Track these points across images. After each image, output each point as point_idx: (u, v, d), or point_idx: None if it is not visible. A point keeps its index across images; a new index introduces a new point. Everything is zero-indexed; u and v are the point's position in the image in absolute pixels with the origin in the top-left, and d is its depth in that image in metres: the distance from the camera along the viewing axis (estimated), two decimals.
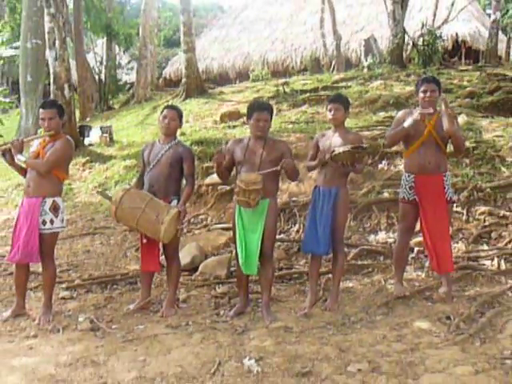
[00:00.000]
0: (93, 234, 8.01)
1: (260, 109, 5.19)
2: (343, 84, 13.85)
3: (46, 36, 12.02)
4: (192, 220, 8.04)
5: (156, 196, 5.22)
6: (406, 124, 5.18)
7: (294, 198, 7.76)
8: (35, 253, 5.09)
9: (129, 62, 28.12)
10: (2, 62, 23.95)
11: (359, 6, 24.23)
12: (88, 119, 18.09)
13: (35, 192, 5.15)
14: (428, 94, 5.20)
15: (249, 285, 5.42)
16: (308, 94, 12.98)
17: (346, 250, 6.67)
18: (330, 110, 5.31)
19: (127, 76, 27.52)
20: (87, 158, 11.63)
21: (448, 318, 4.90)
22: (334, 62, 19.96)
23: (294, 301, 5.58)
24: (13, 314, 5.34)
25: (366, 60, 17.26)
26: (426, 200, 5.20)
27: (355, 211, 7.37)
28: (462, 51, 20.01)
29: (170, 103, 16.08)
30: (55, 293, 5.95)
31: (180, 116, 5.52)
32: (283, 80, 16.11)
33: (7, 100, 24.20)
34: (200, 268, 6.42)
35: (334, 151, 5.08)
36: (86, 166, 11.24)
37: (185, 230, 7.73)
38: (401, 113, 5.65)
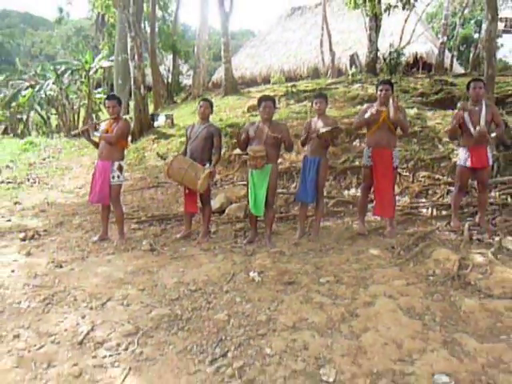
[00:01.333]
0: (156, 186, 8.05)
1: (266, 99, 5.14)
2: (333, 86, 13.48)
3: (129, 52, 11.90)
4: (223, 178, 8.02)
5: (195, 161, 5.20)
6: (367, 115, 5.08)
7: (293, 164, 7.67)
8: (106, 197, 5.16)
9: (187, 71, 27.87)
10: (102, 70, 23.93)
11: (348, 32, 23.71)
12: (159, 110, 17.95)
13: (106, 157, 5.17)
14: (383, 92, 5.07)
15: (257, 223, 5.41)
16: (308, 93, 12.73)
17: (326, 200, 6.61)
18: (316, 104, 5.22)
19: (186, 80, 27.26)
20: (155, 135, 11.58)
21: (393, 247, 4.85)
22: (329, 71, 19.62)
23: (288, 234, 5.56)
24: (99, 238, 5.43)
25: (351, 70, 16.90)
26: (378, 166, 5.10)
27: (335, 174, 7.27)
28: (419, 64, 19.50)
29: (213, 99, 16.04)
30: (128, 225, 6.04)
31: (211, 105, 5.44)
32: (292, 83, 15.82)
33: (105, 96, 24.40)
34: (226, 211, 6.43)
35: (319, 131, 5.03)
36: (155, 142, 11.21)
37: (218, 185, 7.75)
38: (365, 106, 5.53)
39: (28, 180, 9.45)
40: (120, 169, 5.21)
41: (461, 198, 5.40)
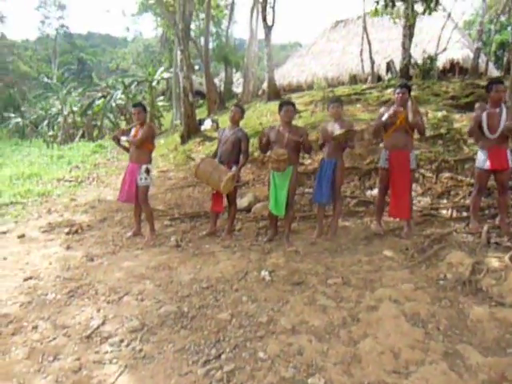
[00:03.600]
0: (194, 185, 7.89)
1: (287, 104, 4.83)
2: (368, 91, 12.81)
3: (178, 63, 11.89)
4: (255, 178, 7.73)
5: (223, 164, 4.98)
6: (384, 118, 4.63)
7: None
8: (133, 196, 5.04)
9: (238, 80, 27.84)
10: (164, 81, 24.41)
11: (388, 41, 22.68)
12: (211, 115, 17.96)
13: (136, 160, 5.05)
14: (400, 95, 4.60)
15: (277, 222, 5.10)
16: (344, 98, 12.19)
17: (348, 199, 6.20)
18: (332, 108, 4.84)
19: (236, 88, 27.22)
20: (201, 138, 11.50)
21: (407, 249, 4.38)
22: (369, 78, 18.89)
23: (308, 233, 5.18)
24: (133, 233, 5.33)
25: (387, 76, 16.12)
26: (395, 168, 4.63)
27: (360, 174, 6.80)
28: (455, 70, 18.30)
29: (257, 104, 15.79)
30: (162, 221, 5.90)
31: (242, 111, 5.20)
32: (330, 89, 15.23)
33: (167, 104, 24.95)
34: (252, 209, 6.15)
35: (334, 134, 4.66)
36: (200, 144, 11.12)
37: (250, 184, 7.48)
38: (382, 109, 5.05)
39: (87, 179, 9.63)
40: (147, 171, 5.07)
41: (480, 200, 4.81)
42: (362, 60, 21.22)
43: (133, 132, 5.11)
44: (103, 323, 3.14)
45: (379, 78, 19.22)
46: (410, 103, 4.49)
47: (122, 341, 2.90)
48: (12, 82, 38.39)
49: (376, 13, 12.67)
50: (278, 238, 5.03)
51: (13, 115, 29.61)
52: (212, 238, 5.16)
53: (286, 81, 24.20)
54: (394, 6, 11.62)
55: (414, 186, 5.62)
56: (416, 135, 4.84)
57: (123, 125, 23.45)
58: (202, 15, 23.22)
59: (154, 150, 5.19)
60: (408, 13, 12.28)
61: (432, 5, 10.87)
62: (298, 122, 9.70)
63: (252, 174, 7.79)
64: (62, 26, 45.84)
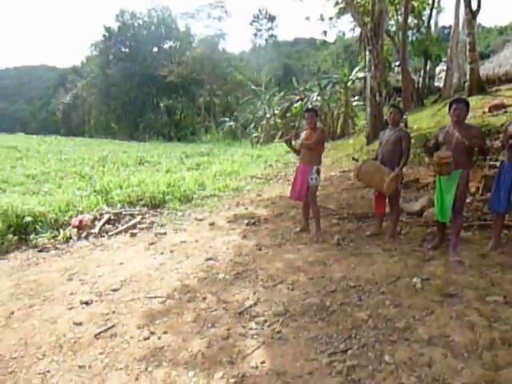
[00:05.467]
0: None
1: (457, 101, 4.45)
2: None
3: (367, 63, 11.87)
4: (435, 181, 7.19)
5: (385, 165, 4.95)
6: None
7: None
8: (304, 195, 5.37)
9: (439, 73, 25.70)
10: (360, 80, 24.46)
11: None
12: (406, 113, 17.25)
13: (307, 162, 5.37)
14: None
15: (446, 230, 4.75)
16: None
17: None
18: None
19: (437, 83, 25.15)
20: None
21: None
22: None
23: (481, 244, 4.66)
24: (300, 229, 5.73)
25: None
26: None
27: None
28: None
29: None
30: (329, 220, 6.15)
31: (401, 113, 5.07)
32: None
33: (362, 103, 24.94)
34: (424, 214, 5.82)
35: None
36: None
37: (428, 187, 7.04)
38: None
39: (276, 176, 10.58)
40: (317, 172, 5.37)
41: None
42: None
43: (303, 135, 5.50)
44: (255, 304, 3.60)
45: None
46: None
47: (265, 321, 3.29)
48: (229, 90, 44.40)
49: None
50: (444, 246, 4.70)
51: (227, 119, 34.29)
52: (374, 240, 5.16)
53: (503, 69, 21.07)
54: None
55: None
56: None
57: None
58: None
59: (322, 153, 5.47)
60: None
61: None
62: (503, 118, 8.59)
63: (434, 177, 7.31)
64: (271, 35, 50.34)
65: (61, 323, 3.43)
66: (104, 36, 44.90)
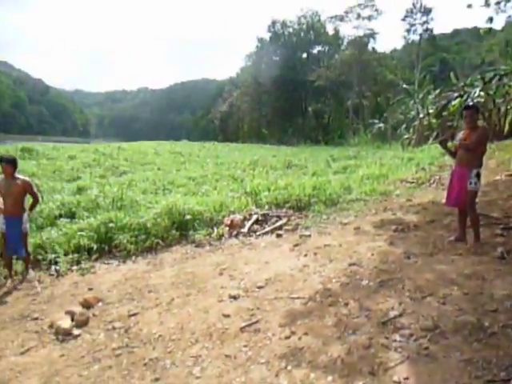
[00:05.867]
0: None
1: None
2: None
3: None
4: None
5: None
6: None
7: None
8: (462, 201, 4.91)
9: None
10: None
11: None
12: None
13: (465, 165, 4.87)
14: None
15: None
16: None
17: None
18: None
19: None
20: None
21: None
22: None
23: None
24: (455, 238, 5.20)
25: None
26: None
27: None
28: None
29: None
30: (492, 230, 5.46)
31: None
32: None
33: None
34: None
35: None
36: None
37: None
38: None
39: (429, 181, 9.82)
40: (478, 176, 4.82)
41: None
42: None
43: (460, 135, 4.99)
44: (400, 315, 3.40)
45: None
46: None
47: (411, 335, 3.08)
48: (379, 90, 42.90)
49: None
50: None
51: (376, 121, 33.11)
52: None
53: None
54: None
55: None
56: None
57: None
58: None
59: (485, 154, 4.91)
60: None
61: None
62: None
63: None
64: (426, 30, 46.86)
65: (212, 313, 3.76)
66: (257, 47, 47.73)
